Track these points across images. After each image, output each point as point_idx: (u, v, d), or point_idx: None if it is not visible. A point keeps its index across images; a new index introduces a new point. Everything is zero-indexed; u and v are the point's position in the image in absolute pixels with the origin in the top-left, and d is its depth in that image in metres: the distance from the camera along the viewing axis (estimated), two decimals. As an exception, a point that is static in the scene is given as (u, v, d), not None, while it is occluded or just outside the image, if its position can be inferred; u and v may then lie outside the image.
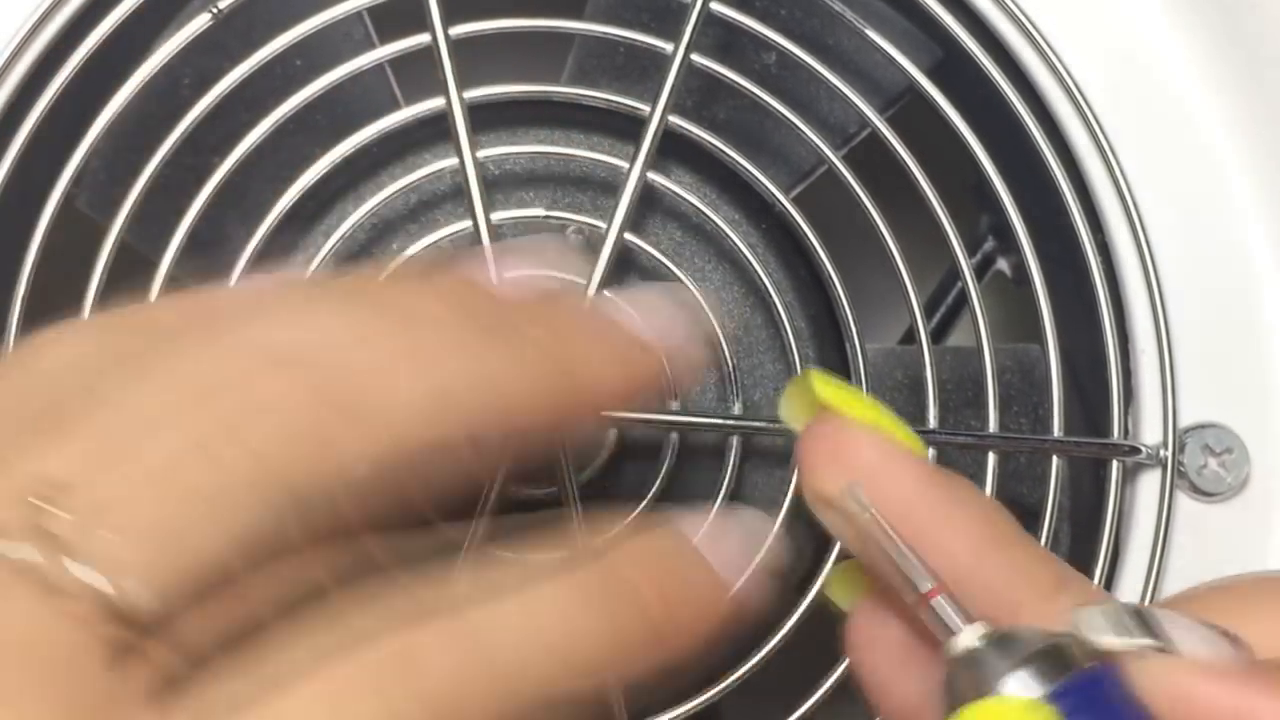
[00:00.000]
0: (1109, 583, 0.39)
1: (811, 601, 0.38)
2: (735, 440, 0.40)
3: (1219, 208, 0.41)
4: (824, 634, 0.32)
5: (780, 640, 0.38)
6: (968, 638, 0.25)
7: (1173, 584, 0.39)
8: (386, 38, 0.41)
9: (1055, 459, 0.39)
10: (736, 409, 0.41)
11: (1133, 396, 0.40)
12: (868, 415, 0.28)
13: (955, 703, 0.25)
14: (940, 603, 0.26)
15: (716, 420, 0.40)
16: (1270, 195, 0.41)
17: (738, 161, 0.41)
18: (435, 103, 0.40)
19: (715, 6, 0.41)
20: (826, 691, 0.37)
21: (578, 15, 0.43)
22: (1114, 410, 0.40)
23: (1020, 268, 0.40)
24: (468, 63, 0.39)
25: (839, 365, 0.41)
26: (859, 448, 0.27)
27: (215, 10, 0.40)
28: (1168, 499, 0.39)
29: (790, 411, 0.28)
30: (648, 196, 0.42)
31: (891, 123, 0.41)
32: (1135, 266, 0.40)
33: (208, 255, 0.41)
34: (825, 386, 0.28)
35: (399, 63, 0.41)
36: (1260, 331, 0.41)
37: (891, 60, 0.41)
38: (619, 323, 0.28)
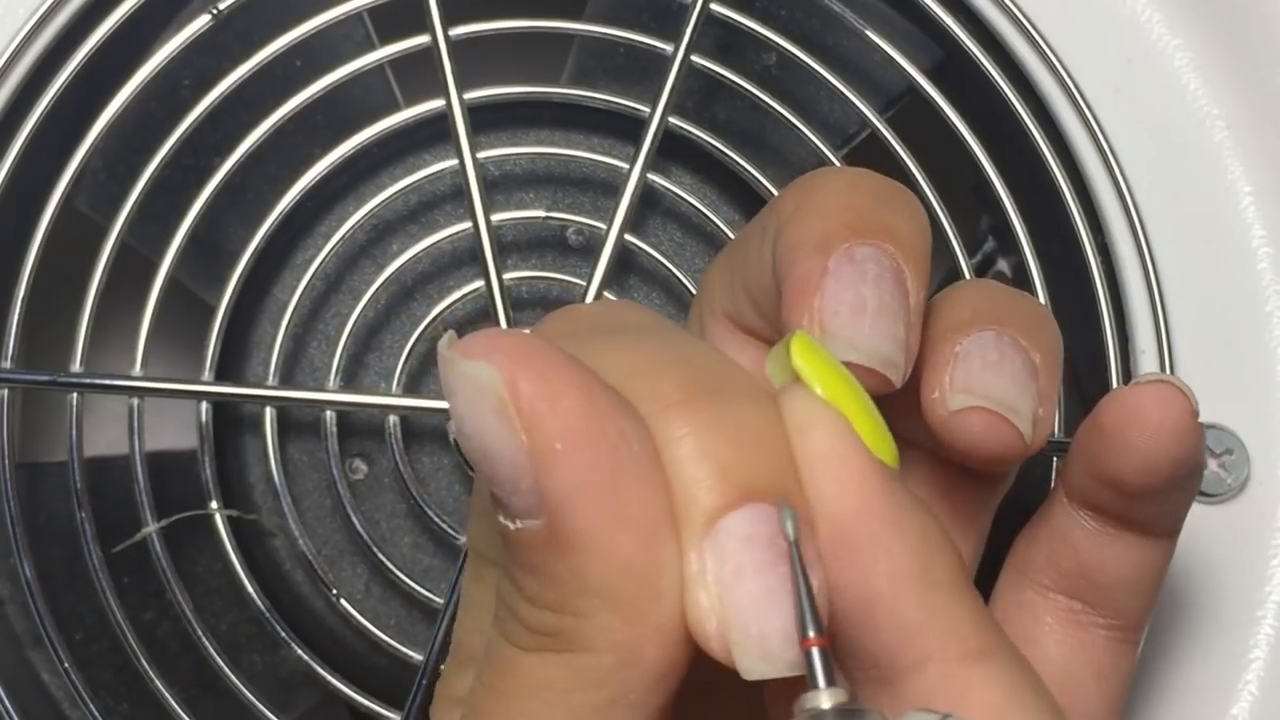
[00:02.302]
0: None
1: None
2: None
3: (1219, 208, 0.41)
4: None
5: None
6: (821, 699, 0.24)
7: (1174, 587, 0.39)
8: (386, 38, 0.41)
9: (1055, 459, 0.39)
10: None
11: (1133, 397, 0.40)
12: (838, 397, 0.26)
13: None
14: (814, 654, 0.24)
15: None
16: (1271, 196, 0.41)
17: (738, 162, 0.41)
18: (435, 104, 0.40)
19: (715, 7, 0.41)
20: None
21: (578, 16, 0.43)
22: (1114, 411, 0.40)
23: (1020, 268, 0.40)
24: (468, 63, 0.40)
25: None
26: (812, 433, 0.26)
27: (215, 11, 0.40)
28: (1168, 500, 0.39)
29: (773, 371, 0.27)
30: (648, 197, 0.42)
31: (891, 123, 0.41)
32: (1135, 266, 0.40)
33: (208, 255, 0.41)
34: (803, 354, 0.26)
35: (399, 63, 0.41)
36: (1260, 332, 0.40)
37: (891, 61, 0.41)
38: None
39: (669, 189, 0.41)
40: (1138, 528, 0.30)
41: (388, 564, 0.40)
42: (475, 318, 0.41)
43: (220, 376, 0.40)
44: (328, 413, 0.40)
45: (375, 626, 0.40)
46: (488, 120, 0.42)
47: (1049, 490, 0.38)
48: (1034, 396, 0.28)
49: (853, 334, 0.27)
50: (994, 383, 0.28)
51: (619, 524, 0.24)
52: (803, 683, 0.24)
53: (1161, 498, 0.29)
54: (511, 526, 0.24)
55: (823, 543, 0.25)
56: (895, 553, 0.25)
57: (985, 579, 0.33)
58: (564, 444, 0.23)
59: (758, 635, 0.24)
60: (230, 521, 0.39)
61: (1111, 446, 0.28)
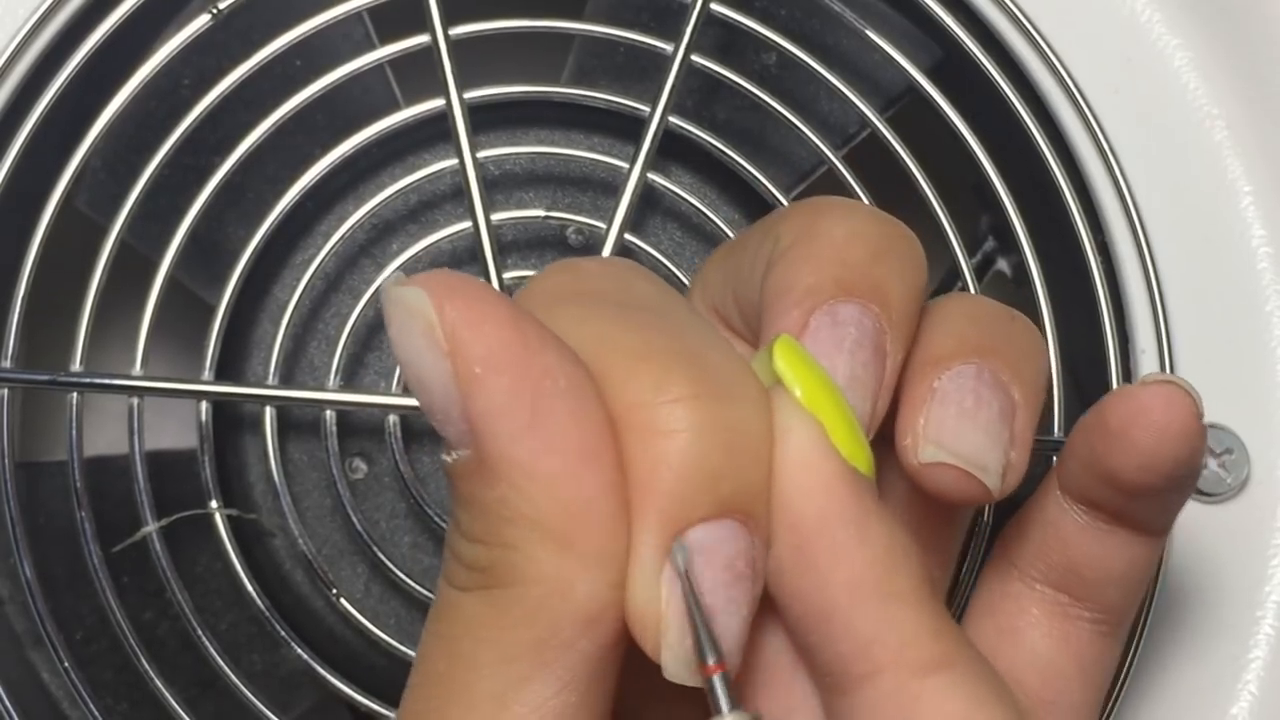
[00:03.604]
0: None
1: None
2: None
3: (1219, 208, 0.41)
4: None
5: None
6: None
7: (1174, 587, 0.39)
8: (386, 38, 0.41)
9: (1055, 460, 0.39)
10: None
11: (1133, 397, 0.40)
12: (815, 402, 0.26)
13: None
14: (715, 681, 0.25)
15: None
16: (1271, 195, 0.41)
17: (738, 162, 0.41)
18: (435, 103, 0.40)
19: (715, 7, 0.41)
20: None
21: (578, 15, 0.43)
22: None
23: (1020, 268, 0.40)
24: (468, 63, 0.40)
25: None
26: (787, 438, 0.26)
27: (215, 11, 0.40)
28: (1168, 500, 0.39)
29: (758, 372, 0.27)
30: (648, 197, 0.42)
31: (891, 123, 0.41)
32: (1135, 266, 0.40)
33: (208, 255, 0.41)
34: (786, 358, 0.27)
35: (399, 63, 0.41)
36: (1260, 332, 0.40)
37: (891, 60, 0.41)
38: None
39: (669, 189, 0.41)
40: (1131, 524, 0.30)
41: (388, 563, 0.40)
42: (475, 317, 0.41)
43: (220, 376, 0.40)
44: (328, 412, 0.40)
45: (375, 626, 0.40)
46: (488, 120, 0.42)
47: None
48: (1006, 445, 0.28)
49: None
50: (966, 436, 0.28)
51: (542, 450, 0.24)
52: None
53: (1160, 497, 0.29)
54: (449, 460, 0.25)
55: (786, 549, 0.26)
56: (856, 561, 0.26)
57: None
58: (483, 368, 0.24)
59: (690, 647, 0.25)
60: (230, 521, 0.39)
61: (1114, 444, 0.28)
